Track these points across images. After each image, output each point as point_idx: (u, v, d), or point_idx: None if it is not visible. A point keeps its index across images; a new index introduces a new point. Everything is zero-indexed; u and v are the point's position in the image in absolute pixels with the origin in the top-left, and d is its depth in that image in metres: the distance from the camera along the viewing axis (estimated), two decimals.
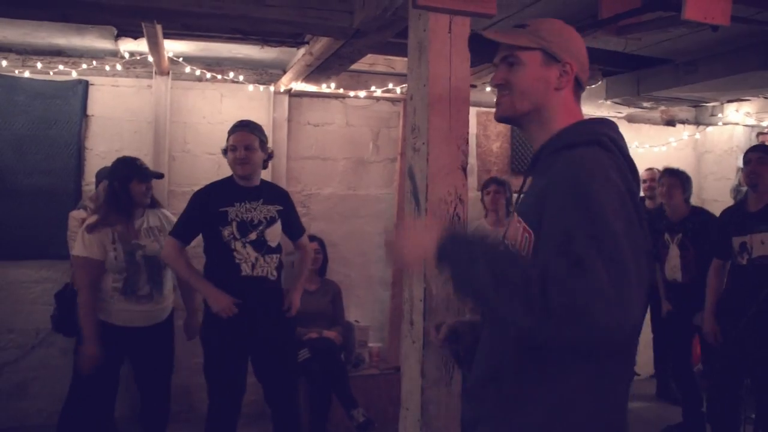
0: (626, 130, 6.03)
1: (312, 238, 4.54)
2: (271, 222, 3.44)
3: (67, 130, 4.52)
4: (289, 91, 4.93)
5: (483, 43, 1.58)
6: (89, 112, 4.63)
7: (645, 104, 5.57)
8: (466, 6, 2.00)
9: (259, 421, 4.48)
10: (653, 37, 3.87)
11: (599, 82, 4.66)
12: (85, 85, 4.58)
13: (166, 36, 3.89)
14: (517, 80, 1.50)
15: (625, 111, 5.84)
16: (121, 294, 3.37)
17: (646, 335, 5.38)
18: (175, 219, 3.72)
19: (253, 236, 3.38)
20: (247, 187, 3.46)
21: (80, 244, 3.36)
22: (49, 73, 4.47)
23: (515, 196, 1.34)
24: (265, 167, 3.61)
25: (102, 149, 4.63)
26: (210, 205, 3.39)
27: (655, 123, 6.28)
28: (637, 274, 1.20)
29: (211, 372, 3.44)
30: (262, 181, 3.59)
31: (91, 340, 3.29)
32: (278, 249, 3.48)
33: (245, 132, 3.44)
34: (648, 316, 5.22)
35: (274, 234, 3.46)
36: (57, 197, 4.44)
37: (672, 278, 4.51)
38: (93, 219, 3.42)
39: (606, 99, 5.24)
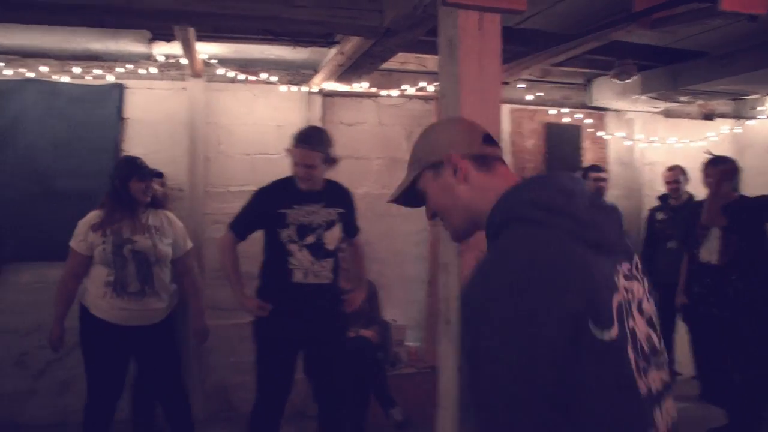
0: (663, 126, 6.01)
1: None
2: (330, 225, 3.41)
3: (104, 134, 4.60)
4: (321, 91, 4.95)
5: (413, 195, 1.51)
6: (125, 115, 4.70)
7: (682, 98, 5.48)
8: (496, 2, 1.99)
9: (297, 420, 4.52)
10: (688, 30, 3.81)
11: (634, 77, 4.59)
12: (121, 88, 4.65)
13: (199, 38, 3.93)
14: (435, 205, 1.44)
15: (662, 106, 5.74)
16: (113, 290, 3.42)
17: (684, 334, 5.29)
18: (177, 221, 3.77)
19: (311, 239, 3.35)
20: (308, 190, 3.41)
21: (74, 236, 3.48)
22: (86, 78, 4.55)
23: None
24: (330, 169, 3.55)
25: (138, 151, 4.67)
26: (269, 205, 3.38)
27: (693, 117, 6.16)
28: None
29: (260, 370, 3.44)
30: (326, 182, 3.51)
31: (57, 321, 3.49)
32: (335, 252, 3.45)
33: (307, 150, 3.32)
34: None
35: (333, 237, 3.42)
36: (95, 199, 4.45)
37: (706, 260, 4.40)
38: (98, 218, 3.48)
39: (641, 94, 5.16)
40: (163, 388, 3.65)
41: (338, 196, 3.51)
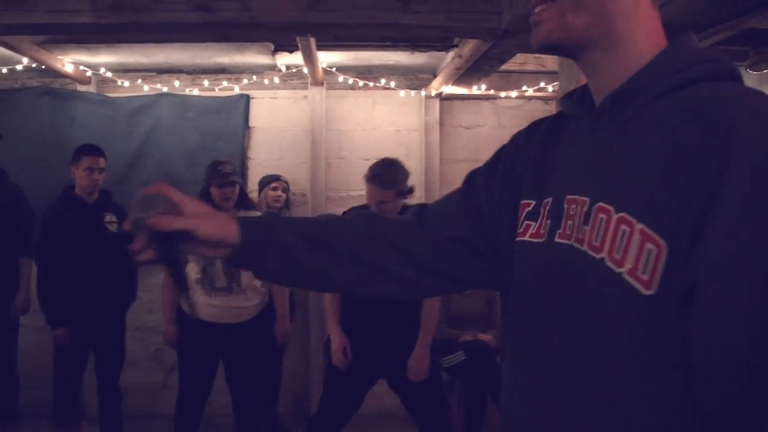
0: None
1: None
2: None
3: (231, 142, 4.81)
4: (440, 95, 4.95)
5: None
6: (251, 124, 4.89)
7: None
8: None
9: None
10: None
11: None
12: (247, 99, 4.84)
13: (320, 48, 4.02)
14: None
15: None
16: (202, 287, 3.52)
17: None
18: None
19: None
20: None
21: None
22: (214, 90, 4.80)
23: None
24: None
25: (263, 158, 4.89)
26: None
27: None
28: None
29: (327, 380, 3.45)
30: (403, 208, 3.34)
31: (169, 322, 3.66)
32: None
33: (378, 189, 3.19)
34: None
35: None
36: None
37: None
38: None
39: None
40: (242, 386, 3.74)
41: None
